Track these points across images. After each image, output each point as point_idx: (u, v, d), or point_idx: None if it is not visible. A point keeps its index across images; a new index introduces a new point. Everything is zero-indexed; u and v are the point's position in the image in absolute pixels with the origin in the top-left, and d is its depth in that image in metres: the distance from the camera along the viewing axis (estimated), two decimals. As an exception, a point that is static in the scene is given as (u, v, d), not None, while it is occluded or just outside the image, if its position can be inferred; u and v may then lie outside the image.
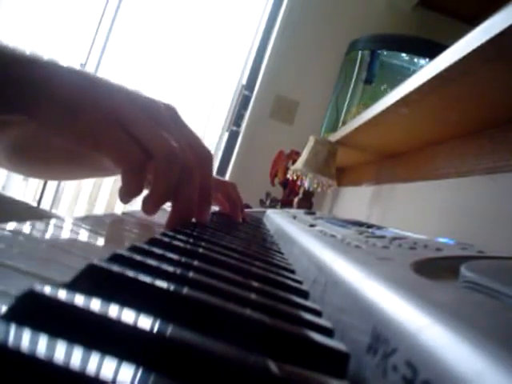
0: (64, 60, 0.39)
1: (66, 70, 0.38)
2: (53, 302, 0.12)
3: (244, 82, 2.36)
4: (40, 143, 0.47)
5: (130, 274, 0.16)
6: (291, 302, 0.20)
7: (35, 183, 2.63)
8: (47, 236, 0.24)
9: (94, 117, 0.36)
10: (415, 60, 1.77)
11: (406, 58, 1.79)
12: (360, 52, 1.89)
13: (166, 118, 0.40)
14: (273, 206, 1.80)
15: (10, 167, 0.54)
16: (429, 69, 0.70)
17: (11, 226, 0.23)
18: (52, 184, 2.53)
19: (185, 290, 0.16)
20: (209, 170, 0.44)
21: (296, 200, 1.67)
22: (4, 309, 0.11)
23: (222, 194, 0.61)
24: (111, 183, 2.69)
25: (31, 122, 0.39)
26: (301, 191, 1.67)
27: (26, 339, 0.10)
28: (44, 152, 0.48)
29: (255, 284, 0.21)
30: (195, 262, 0.22)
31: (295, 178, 1.53)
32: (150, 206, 0.38)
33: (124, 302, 0.13)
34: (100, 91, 0.38)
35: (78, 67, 0.39)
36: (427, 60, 1.61)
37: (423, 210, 1.00)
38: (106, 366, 0.09)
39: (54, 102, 0.36)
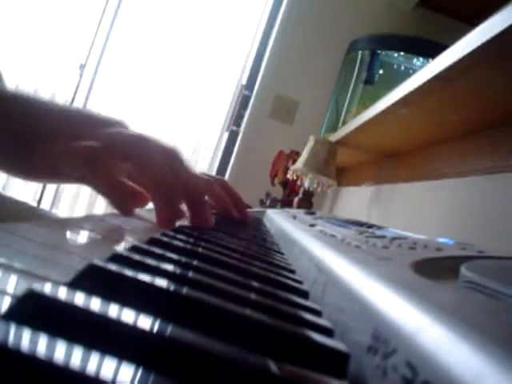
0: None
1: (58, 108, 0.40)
2: (53, 302, 0.12)
3: (244, 81, 2.36)
4: None
5: (130, 273, 0.16)
6: (291, 301, 0.20)
7: (35, 183, 2.63)
8: (47, 236, 0.24)
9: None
10: (415, 60, 1.77)
11: (406, 58, 1.79)
12: (360, 52, 1.89)
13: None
14: (273, 206, 1.80)
15: None
16: (429, 69, 0.70)
17: (11, 226, 0.23)
18: (52, 184, 2.54)
19: (185, 290, 0.16)
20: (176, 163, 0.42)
21: (296, 200, 1.67)
22: (4, 309, 0.11)
23: (208, 194, 0.54)
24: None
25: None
26: (301, 191, 1.67)
27: (26, 339, 0.10)
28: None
29: (255, 284, 0.21)
30: (195, 262, 0.22)
31: (295, 177, 1.53)
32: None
33: (124, 302, 0.13)
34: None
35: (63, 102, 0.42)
36: (427, 60, 1.61)
37: (423, 210, 1.00)
38: (106, 365, 0.09)
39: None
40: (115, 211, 0.43)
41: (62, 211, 2.62)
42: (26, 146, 0.39)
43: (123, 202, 0.39)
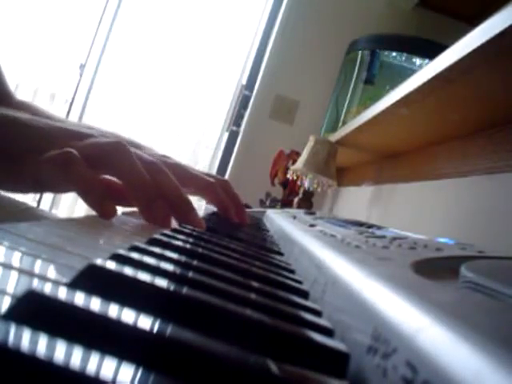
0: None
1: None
2: (53, 302, 0.12)
3: (244, 81, 2.36)
4: None
5: (130, 273, 0.16)
6: (291, 302, 0.20)
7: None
8: (47, 236, 0.24)
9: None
10: (415, 60, 1.77)
11: (406, 58, 1.79)
12: (360, 52, 1.89)
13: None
14: (273, 206, 1.80)
15: None
16: (429, 69, 0.70)
17: (11, 226, 0.23)
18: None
19: (185, 290, 0.16)
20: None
21: (296, 200, 1.67)
22: (4, 309, 0.11)
23: (209, 196, 0.53)
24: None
25: None
26: (301, 191, 1.67)
27: (26, 339, 0.10)
28: None
29: (255, 284, 0.21)
30: (195, 262, 0.22)
31: (295, 177, 1.53)
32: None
33: (124, 302, 0.13)
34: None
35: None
36: (427, 60, 1.61)
37: (423, 210, 1.00)
38: (105, 365, 0.09)
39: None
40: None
41: (61, 212, 2.62)
42: (3, 163, 0.38)
43: (100, 203, 0.37)
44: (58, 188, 0.40)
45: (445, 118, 0.84)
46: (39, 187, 0.41)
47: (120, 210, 0.43)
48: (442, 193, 0.93)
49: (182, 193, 0.42)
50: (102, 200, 0.37)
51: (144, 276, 0.16)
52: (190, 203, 0.42)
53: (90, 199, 0.36)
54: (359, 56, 1.89)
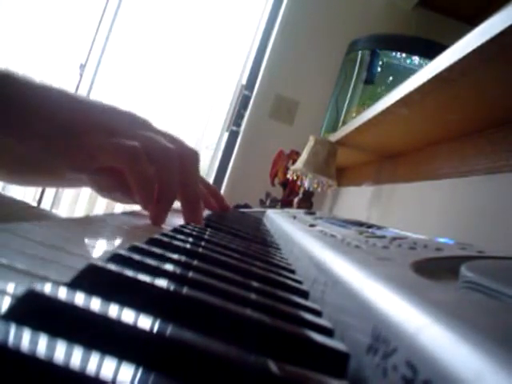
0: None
1: (55, 91, 0.42)
2: (53, 302, 0.12)
3: (244, 81, 2.36)
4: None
5: (130, 274, 0.16)
6: (291, 301, 0.20)
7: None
8: (47, 236, 0.24)
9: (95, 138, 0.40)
10: (415, 60, 1.77)
11: (406, 57, 1.79)
12: (360, 52, 1.89)
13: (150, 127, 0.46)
14: (273, 206, 1.80)
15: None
16: (429, 69, 0.70)
17: (11, 226, 0.23)
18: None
19: (185, 290, 0.16)
20: (191, 166, 0.47)
21: (296, 200, 1.67)
22: (4, 309, 0.11)
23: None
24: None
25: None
26: (301, 191, 1.67)
27: (26, 339, 0.10)
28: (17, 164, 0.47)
29: (255, 284, 0.21)
30: (195, 262, 0.22)
31: (295, 178, 1.53)
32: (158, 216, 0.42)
33: (124, 302, 0.13)
34: (90, 110, 0.43)
35: (64, 88, 0.43)
36: (427, 60, 1.61)
37: (423, 210, 1.00)
38: (105, 365, 0.09)
39: (49, 124, 0.40)
40: (115, 211, 0.44)
41: (62, 211, 2.62)
42: (63, 138, 0.40)
43: (151, 199, 0.40)
44: (80, 183, 0.43)
45: (444, 118, 0.84)
46: (95, 163, 0.42)
47: (120, 208, 0.44)
48: (442, 193, 0.93)
49: (197, 193, 0.46)
50: (152, 199, 0.40)
51: (144, 276, 0.16)
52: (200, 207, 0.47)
53: (144, 196, 0.40)
54: (359, 56, 1.89)
